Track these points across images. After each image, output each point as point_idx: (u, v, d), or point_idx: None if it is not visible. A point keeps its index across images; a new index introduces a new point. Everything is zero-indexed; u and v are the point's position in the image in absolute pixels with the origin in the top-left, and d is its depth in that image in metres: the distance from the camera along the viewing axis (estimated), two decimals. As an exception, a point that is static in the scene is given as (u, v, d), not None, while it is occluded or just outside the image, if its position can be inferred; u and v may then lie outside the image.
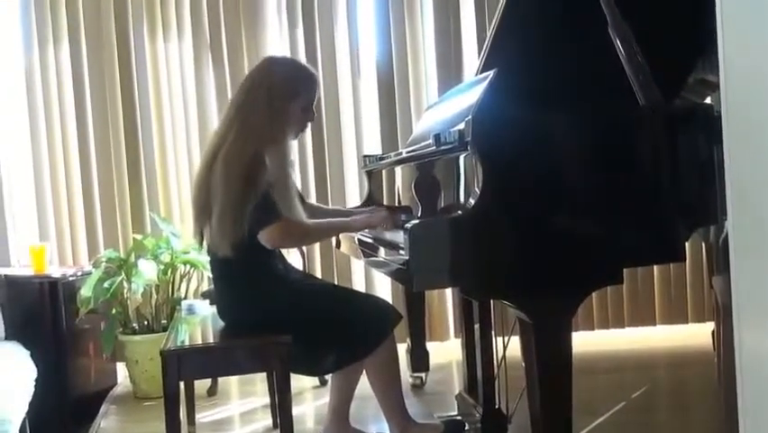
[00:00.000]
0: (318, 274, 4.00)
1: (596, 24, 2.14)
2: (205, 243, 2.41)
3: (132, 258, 3.37)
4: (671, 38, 2.33)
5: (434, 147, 1.97)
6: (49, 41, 3.95)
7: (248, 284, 2.34)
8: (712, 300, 3.08)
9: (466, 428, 2.54)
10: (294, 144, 2.32)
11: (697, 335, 3.79)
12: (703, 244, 2.94)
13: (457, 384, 3.28)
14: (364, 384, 2.40)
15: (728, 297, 1.41)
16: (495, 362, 2.44)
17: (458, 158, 1.96)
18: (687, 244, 1.93)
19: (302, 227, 2.28)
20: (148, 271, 3.29)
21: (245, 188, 2.17)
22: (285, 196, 2.21)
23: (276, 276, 2.38)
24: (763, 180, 1.27)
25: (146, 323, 3.52)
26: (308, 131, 3.83)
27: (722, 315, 2.24)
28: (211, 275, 2.56)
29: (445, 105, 2.60)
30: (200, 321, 2.62)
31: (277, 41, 4.06)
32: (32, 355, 2.91)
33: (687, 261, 2.36)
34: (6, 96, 3.99)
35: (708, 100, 2.67)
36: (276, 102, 2.27)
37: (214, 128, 3.97)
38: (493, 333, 2.46)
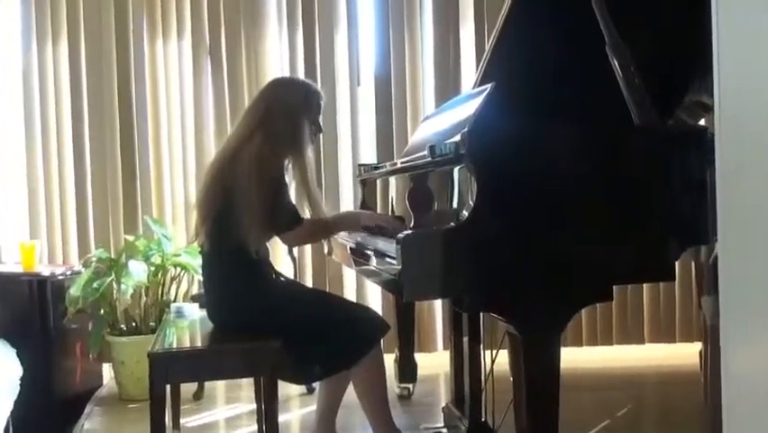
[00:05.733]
0: (309, 282, 4.00)
1: (594, 42, 2.15)
2: (200, 242, 2.43)
3: (123, 259, 3.36)
4: (668, 59, 2.34)
5: (430, 158, 1.98)
6: (47, 38, 3.95)
7: (238, 286, 2.35)
8: (700, 320, 3.09)
9: (452, 440, 2.54)
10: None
11: (684, 354, 3.79)
12: (693, 264, 2.96)
13: (444, 396, 3.28)
14: (352, 393, 2.40)
15: (717, 317, 1.42)
16: (483, 375, 2.44)
17: (452, 170, 1.97)
18: (676, 263, 1.94)
19: (322, 225, 2.48)
20: (138, 272, 3.28)
21: (277, 187, 2.31)
22: (313, 197, 2.42)
23: (265, 279, 2.40)
24: (755, 203, 1.28)
25: (134, 324, 3.50)
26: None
27: (710, 335, 2.25)
28: (202, 276, 2.57)
29: (442, 117, 2.61)
30: (189, 325, 2.61)
31: (276, 46, 4.07)
32: (18, 354, 2.89)
33: (676, 280, 2.37)
34: (2, 92, 3.98)
35: (702, 122, 2.69)
36: (292, 117, 2.43)
37: (210, 131, 4.02)
38: (481, 346, 2.46)
